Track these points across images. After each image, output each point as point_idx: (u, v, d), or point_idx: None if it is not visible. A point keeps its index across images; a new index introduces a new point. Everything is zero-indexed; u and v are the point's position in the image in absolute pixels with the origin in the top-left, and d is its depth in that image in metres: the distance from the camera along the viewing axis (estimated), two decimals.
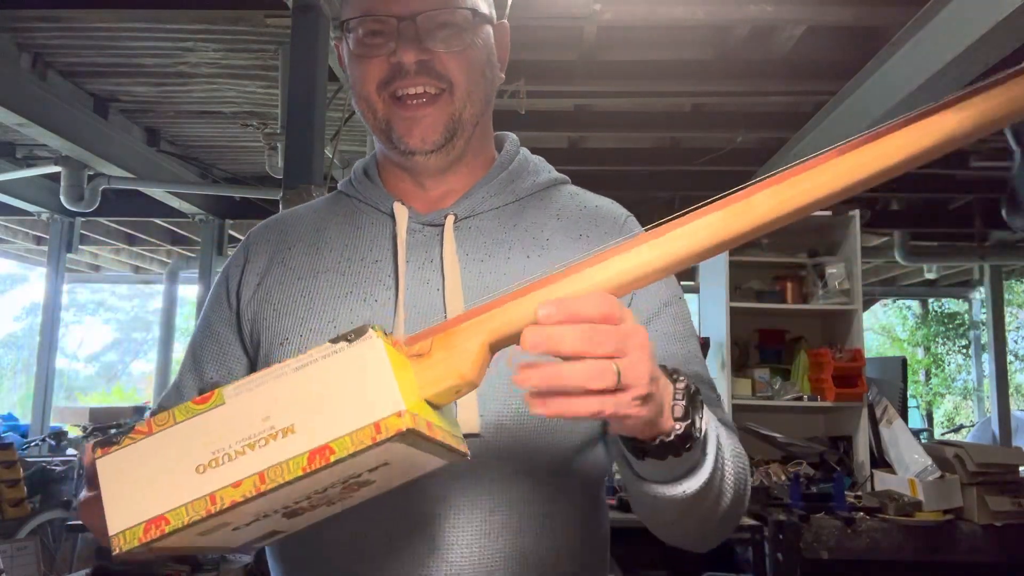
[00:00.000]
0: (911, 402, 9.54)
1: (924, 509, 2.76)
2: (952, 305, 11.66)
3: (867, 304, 9.64)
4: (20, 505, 3.82)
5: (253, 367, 0.88)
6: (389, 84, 0.82)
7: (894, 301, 12.54)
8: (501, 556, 0.77)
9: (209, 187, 5.86)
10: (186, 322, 10.12)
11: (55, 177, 5.14)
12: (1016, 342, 11.52)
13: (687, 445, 0.62)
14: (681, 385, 0.62)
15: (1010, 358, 9.75)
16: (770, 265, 3.61)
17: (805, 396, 3.40)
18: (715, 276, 3.64)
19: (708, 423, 0.65)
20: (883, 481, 3.03)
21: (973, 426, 9.56)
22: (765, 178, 0.55)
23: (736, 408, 3.42)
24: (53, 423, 6.08)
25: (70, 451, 5.41)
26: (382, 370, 0.50)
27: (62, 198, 5.06)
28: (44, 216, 6.04)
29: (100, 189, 5.09)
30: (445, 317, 0.80)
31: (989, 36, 2.63)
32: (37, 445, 5.46)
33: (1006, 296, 9.27)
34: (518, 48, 3.34)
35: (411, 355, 0.55)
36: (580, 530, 0.83)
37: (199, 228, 6.45)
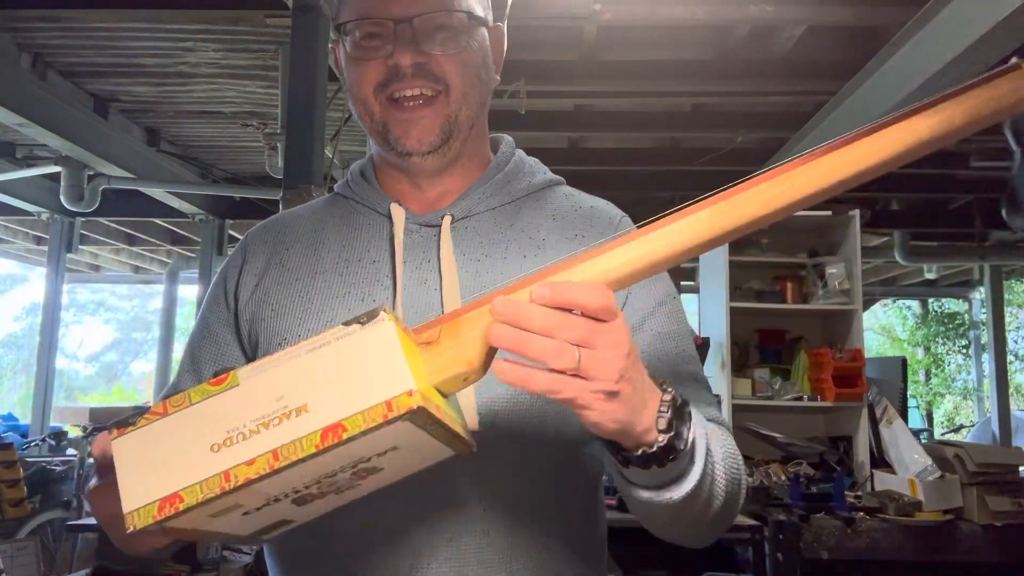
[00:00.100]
0: (911, 402, 9.54)
1: (924, 509, 2.76)
2: (952, 305, 11.66)
3: (867, 304, 9.64)
4: (20, 505, 3.82)
5: None
6: (386, 86, 0.83)
7: (894, 301, 12.54)
8: (499, 551, 0.77)
9: (209, 187, 5.86)
10: (186, 322, 10.11)
11: (55, 177, 5.14)
12: (1016, 342, 11.52)
13: (670, 456, 0.63)
14: (667, 397, 0.62)
15: (1010, 358, 9.75)
16: (770, 265, 3.61)
17: (805, 396, 3.40)
18: (715, 276, 3.64)
19: (696, 433, 0.66)
20: (883, 481, 3.03)
21: (973, 426, 9.56)
22: (747, 179, 0.58)
23: (736, 408, 3.42)
24: (53, 423, 6.08)
25: (70, 451, 5.41)
26: (393, 351, 0.51)
27: (62, 198, 5.06)
28: (44, 216, 6.04)
29: (100, 189, 5.09)
30: None
31: (989, 36, 2.63)
32: (37, 445, 5.46)
33: (1006, 296, 9.27)
34: (518, 48, 3.35)
35: (420, 343, 0.56)
36: (578, 526, 0.83)
37: (199, 228, 6.45)
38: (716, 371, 3.55)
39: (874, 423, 3.28)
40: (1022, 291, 11.68)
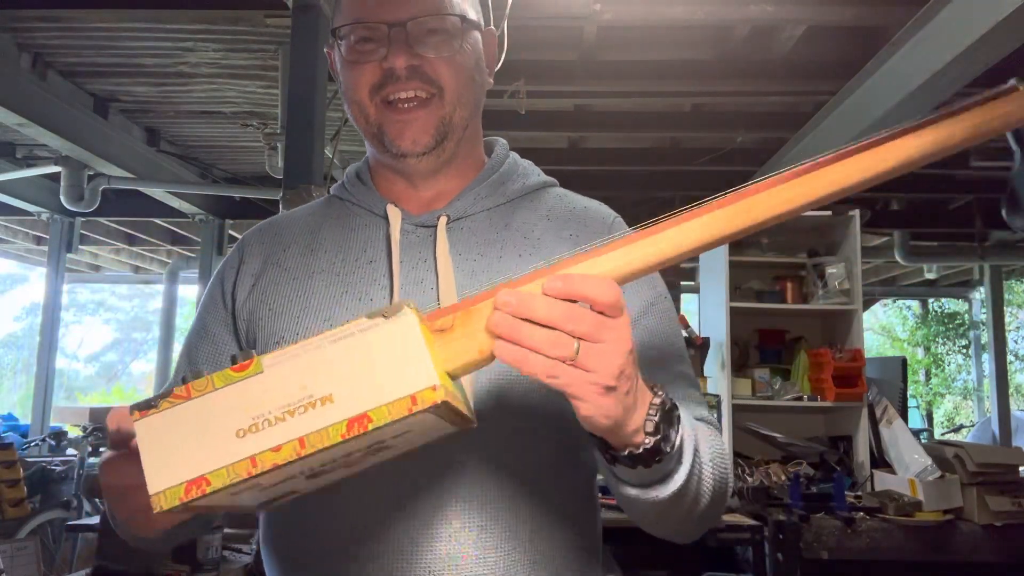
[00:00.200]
0: (911, 402, 9.54)
1: (924, 509, 2.76)
2: (952, 305, 11.66)
3: (867, 304, 9.64)
4: (20, 505, 3.82)
5: None
6: (381, 89, 0.84)
7: (894, 301, 12.53)
8: (496, 546, 0.78)
9: (209, 187, 5.86)
10: (186, 322, 10.10)
11: (55, 177, 5.14)
12: (1016, 342, 11.52)
13: (656, 458, 0.64)
14: (657, 400, 0.64)
15: (1010, 358, 9.75)
16: (770, 265, 3.60)
17: (805, 396, 3.40)
18: (715, 276, 3.64)
19: (684, 435, 0.68)
20: (883, 481, 3.03)
21: (973, 426, 9.56)
22: (754, 183, 0.59)
23: (736, 408, 3.41)
24: (53, 423, 6.09)
25: (70, 451, 5.41)
26: (417, 345, 0.53)
27: (62, 198, 5.06)
28: (44, 216, 6.04)
29: (100, 189, 5.09)
30: None
31: (989, 36, 2.64)
32: (37, 445, 5.47)
33: (1006, 296, 9.27)
34: (518, 48, 3.35)
35: (434, 330, 0.58)
36: (575, 523, 0.84)
37: (199, 228, 6.45)
38: (716, 371, 3.55)
39: (874, 423, 3.28)
40: (1022, 291, 11.68)
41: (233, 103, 4.74)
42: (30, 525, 3.90)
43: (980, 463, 2.78)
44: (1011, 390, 9.35)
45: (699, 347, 3.48)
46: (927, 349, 11.95)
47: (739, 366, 3.59)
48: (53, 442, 5.46)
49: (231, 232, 6.60)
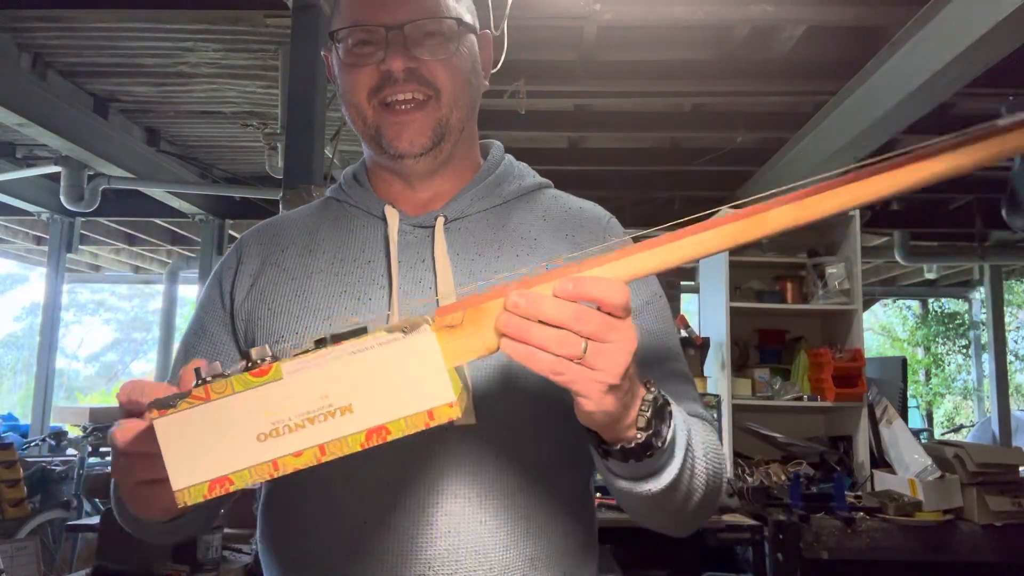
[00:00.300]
0: (911, 402, 9.54)
1: (924, 509, 2.76)
2: (952, 305, 11.66)
3: (867, 304, 9.64)
4: (20, 505, 3.82)
5: None
6: (379, 91, 0.86)
7: (894, 301, 12.53)
8: (495, 542, 0.79)
9: (209, 187, 5.86)
10: (186, 322, 10.10)
11: (55, 177, 5.14)
12: (1016, 342, 11.51)
13: (648, 453, 0.66)
14: (649, 396, 0.66)
15: (1010, 358, 9.75)
16: (770, 265, 3.61)
17: (805, 396, 3.40)
18: (715, 276, 3.64)
19: (677, 430, 0.69)
20: (883, 481, 3.03)
21: (973, 426, 9.56)
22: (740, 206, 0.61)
23: (736, 408, 3.41)
24: (53, 423, 6.09)
25: (70, 451, 5.41)
26: (436, 362, 0.55)
27: (62, 198, 5.06)
28: (44, 216, 6.04)
29: (100, 189, 5.09)
30: None
31: (989, 36, 2.64)
32: (37, 445, 5.46)
33: (1006, 296, 9.27)
34: (518, 48, 3.35)
35: (443, 326, 0.59)
36: (572, 519, 0.85)
37: (199, 228, 6.45)
38: (716, 371, 3.55)
39: (874, 423, 3.28)
40: (1022, 291, 11.68)
41: (233, 103, 4.74)
42: (30, 525, 3.90)
43: (980, 463, 2.78)
44: (1011, 390, 9.35)
45: (699, 347, 3.48)
46: (927, 349, 11.95)
47: (739, 366, 3.59)
48: (53, 442, 5.46)
49: (231, 232, 6.60)
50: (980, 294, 9.29)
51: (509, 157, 0.99)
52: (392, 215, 0.90)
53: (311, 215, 0.97)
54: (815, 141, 4.37)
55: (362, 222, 0.92)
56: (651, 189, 5.87)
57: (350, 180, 0.97)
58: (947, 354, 11.79)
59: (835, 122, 4.06)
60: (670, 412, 0.68)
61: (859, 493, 3.03)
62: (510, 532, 0.80)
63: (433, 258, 0.86)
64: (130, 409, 0.61)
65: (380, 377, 0.55)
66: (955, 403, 12.43)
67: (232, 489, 0.54)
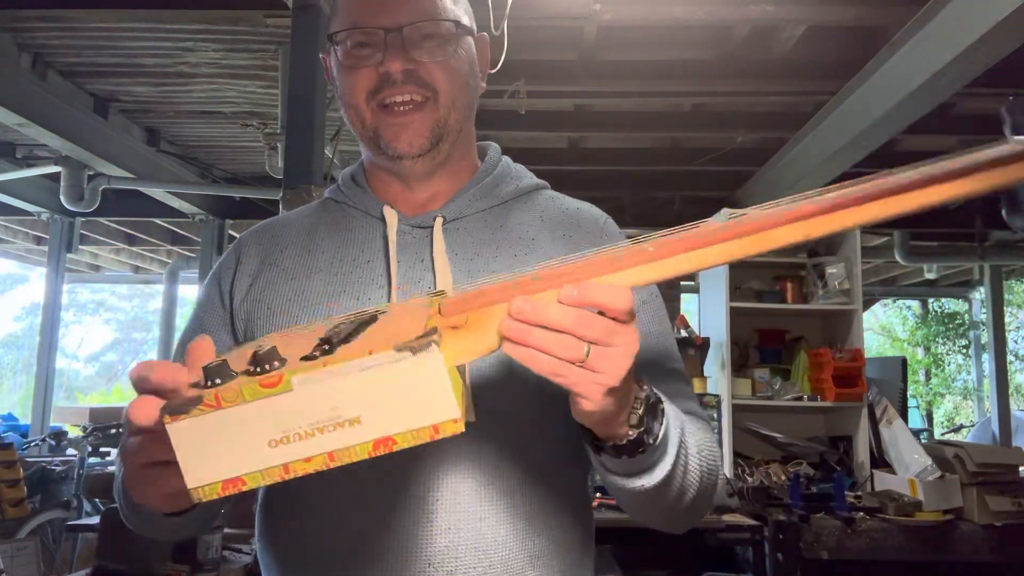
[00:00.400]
0: (911, 402, 9.54)
1: (924, 509, 2.76)
2: (952, 305, 11.66)
3: (867, 304, 9.64)
4: (20, 505, 3.82)
5: None
6: (377, 93, 0.86)
7: (894, 301, 12.53)
8: (494, 540, 0.79)
9: (209, 187, 5.85)
10: (185, 322, 10.11)
11: (55, 177, 5.14)
12: (1016, 342, 11.51)
13: (640, 449, 0.68)
14: (642, 394, 0.67)
15: (1010, 358, 9.75)
16: (770, 265, 3.61)
17: (805, 396, 3.40)
18: (715, 276, 3.64)
19: (670, 428, 0.70)
20: (883, 481, 3.04)
21: (973, 426, 9.56)
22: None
23: (736, 408, 3.41)
24: (53, 423, 6.08)
25: (70, 451, 5.41)
26: (443, 382, 0.58)
27: (62, 198, 5.06)
28: (44, 216, 6.03)
29: (100, 189, 5.09)
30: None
31: (989, 36, 2.63)
32: (37, 445, 5.46)
33: (1006, 296, 9.27)
34: (518, 48, 3.35)
35: (447, 327, 0.60)
36: (569, 517, 0.86)
37: (199, 228, 6.45)
38: (716, 371, 3.55)
39: (874, 423, 3.29)
40: (1022, 291, 11.68)
41: (233, 103, 4.74)
42: (30, 525, 3.90)
43: (980, 463, 2.79)
44: (1011, 390, 9.35)
45: (699, 347, 3.48)
46: (927, 349, 11.95)
47: (739, 366, 3.59)
48: (53, 442, 5.46)
49: (231, 232, 6.59)
50: (980, 294, 9.28)
51: (506, 158, 1.00)
52: (391, 215, 0.90)
53: (310, 216, 0.98)
54: (815, 141, 4.37)
55: (361, 222, 0.93)
56: (651, 189, 5.87)
57: (348, 181, 0.98)
58: (947, 354, 11.79)
59: (835, 122, 4.06)
60: (662, 410, 0.69)
61: (859, 493, 3.03)
62: (510, 529, 0.80)
63: (432, 258, 0.87)
64: (142, 388, 0.61)
65: (388, 393, 0.57)
66: (955, 403, 12.43)
67: (244, 489, 0.57)
